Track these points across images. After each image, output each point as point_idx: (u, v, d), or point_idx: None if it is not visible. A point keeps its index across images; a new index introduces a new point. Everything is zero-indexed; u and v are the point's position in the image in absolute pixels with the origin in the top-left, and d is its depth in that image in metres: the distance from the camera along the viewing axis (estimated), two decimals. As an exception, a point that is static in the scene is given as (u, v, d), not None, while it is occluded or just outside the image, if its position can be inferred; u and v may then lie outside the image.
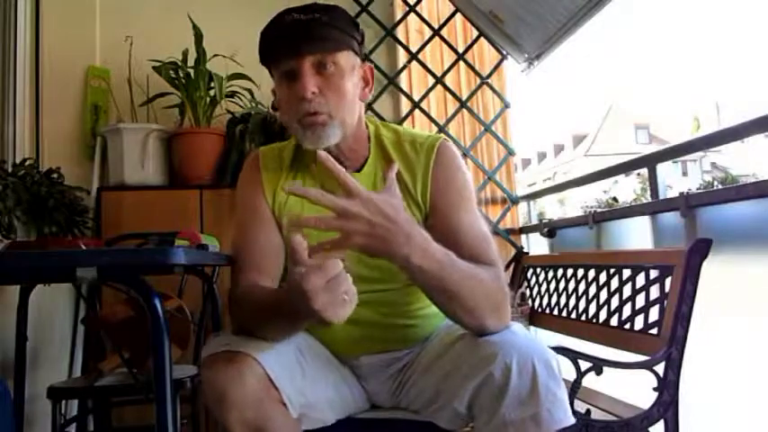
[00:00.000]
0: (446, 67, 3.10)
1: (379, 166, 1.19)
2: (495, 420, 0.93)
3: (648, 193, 2.10)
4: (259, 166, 1.24)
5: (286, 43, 1.09)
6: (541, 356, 0.94)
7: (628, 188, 22.05)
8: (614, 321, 1.71)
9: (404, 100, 3.00)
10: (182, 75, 2.51)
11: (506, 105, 3.13)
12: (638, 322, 1.59)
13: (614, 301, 1.73)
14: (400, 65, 3.02)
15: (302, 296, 0.84)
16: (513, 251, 2.80)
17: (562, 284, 2.09)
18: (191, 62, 2.53)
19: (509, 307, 1.03)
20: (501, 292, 1.02)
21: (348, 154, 1.17)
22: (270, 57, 1.13)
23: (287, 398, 0.99)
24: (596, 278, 1.86)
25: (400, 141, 1.20)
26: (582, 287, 1.94)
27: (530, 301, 2.32)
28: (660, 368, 1.41)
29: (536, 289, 2.30)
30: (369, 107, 2.83)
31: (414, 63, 3.02)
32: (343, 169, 0.91)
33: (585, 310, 1.89)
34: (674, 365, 1.40)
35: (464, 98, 3.09)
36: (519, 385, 0.91)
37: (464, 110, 3.09)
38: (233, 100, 2.67)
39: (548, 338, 2.15)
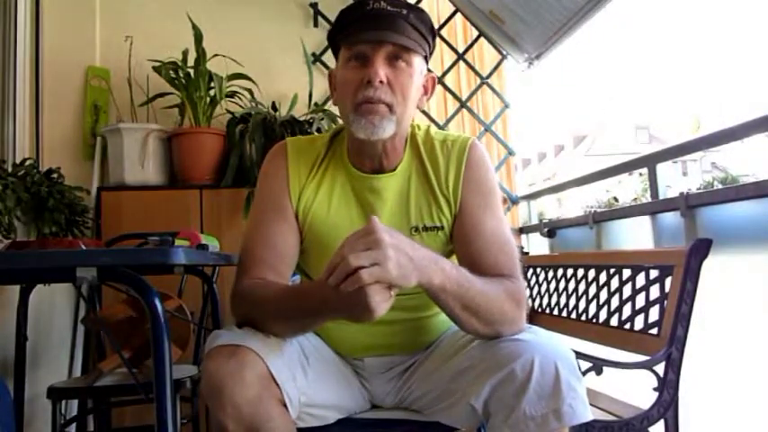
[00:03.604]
0: (446, 67, 3.10)
1: (413, 165, 1.19)
2: (514, 415, 0.93)
3: (648, 192, 2.10)
4: (286, 159, 1.19)
5: (366, 28, 1.07)
6: (563, 355, 0.95)
7: (630, 188, 22.03)
8: (614, 321, 1.71)
9: (404, 100, 2.99)
10: (182, 75, 2.51)
11: (506, 105, 3.14)
12: (638, 322, 1.59)
13: (614, 301, 1.73)
14: (400, 65, 3.01)
15: (358, 291, 0.86)
16: (513, 251, 2.80)
17: (562, 284, 2.08)
18: (191, 62, 2.53)
19: (524, 316, 1.04)
20: (517, 305, 1.03)
21: (390, 152, 1.16)
22: (344, 36, 1.11)
23: (287, 397, 0.98)
24: (596, 278, 1.86)
25: (431, 140, 1.20)
26: (582, 287, 1.94)
27: (530, 301, 2.32)
28: (660, 368, 1.41)
29: (536, 289, 2.30)
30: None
31: (414, 63, 3.02)
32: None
33: (585, 310, 1.89)
34: (674, 365, 1.40)
35: (464, 98, 3.09)
36: (541, 382, 0.92)
37: (464, 110, 3.10)
38: (233, 100, 2.68)
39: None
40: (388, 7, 1.08)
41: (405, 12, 1.09)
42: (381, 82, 1.06)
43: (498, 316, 1.00)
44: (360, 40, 1.08)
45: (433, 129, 1.24)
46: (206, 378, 0.96)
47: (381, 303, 0.88)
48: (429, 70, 1.19)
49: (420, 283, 0.93)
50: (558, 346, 0.97)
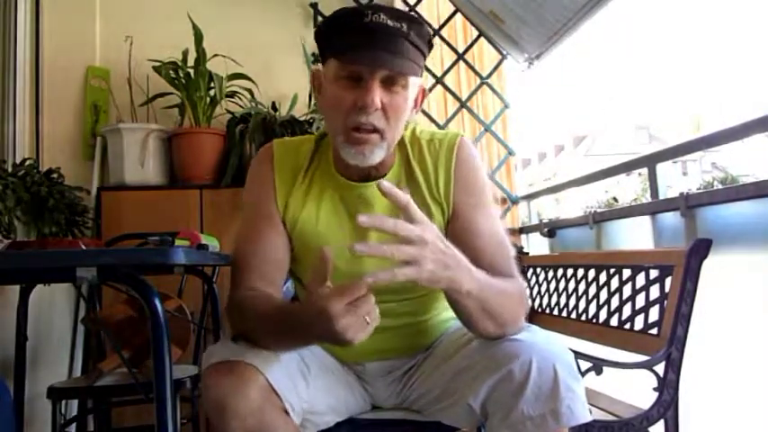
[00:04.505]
0: (446, 67, 3.10)
1: (402, 170, 1.16)
2: (512, 416, 0.93)
3: (648, 193, 2.10)
4: (272, 164, 1.17)
5: (363, 45, 1.00)
6: (561, 355, 0.95)
7: (629, 189, 22.02)
8: (614, 321, 1.71)
9: (404, 100, 2.99)
10: (182, 75, 2.51)
11: (506, 105, 3.13)
12: (638, 322, 1.59)
13: (614, 301, 1.73)
14: (400, 65, 3.01)
15: (324, 317, 0.83)
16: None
17: (562, 284, 2.08)
18: (191, 62, 2.53)
19: (524, 315, 1.04)
20: (522, 305, 1.04)
21: (378, 166, 1.12)
22: (338, 49, 1.03)
23: (289, 405, 0.98)
24: (596, 278, 1.86)
25: (418, 141, 1.17)
26: (582, 287, 1.94)
27: (529, 301, 2.32)
28: (660, 368, 1.41)
29: (536, 289, 2.30)
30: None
31: (414, 63, 3.02)
32: (409, 197, 0.87)
33: (585, 310, 1.89)
34: (674, 365, 1.40)
35: (464, 98, 3.09)
36: (539, 382, 0.92)
37: (464, 110, 3.09)
38: (233, 100, 2.68)
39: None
40: (389, 22, 1.00)
41: (405, 28, 1.02)
42: (376, 108, 1.02)
43: (510, 317, 1.00)
44: (356, 60, 1.01)
45: (419, 128, 1.20)
46: (207, 395, 0.96)
47: (358, 333, 0.85)
48: (428, 69, 1.16)
49: (449, 288, 0.91)
50: (557, 347, 0.96)
